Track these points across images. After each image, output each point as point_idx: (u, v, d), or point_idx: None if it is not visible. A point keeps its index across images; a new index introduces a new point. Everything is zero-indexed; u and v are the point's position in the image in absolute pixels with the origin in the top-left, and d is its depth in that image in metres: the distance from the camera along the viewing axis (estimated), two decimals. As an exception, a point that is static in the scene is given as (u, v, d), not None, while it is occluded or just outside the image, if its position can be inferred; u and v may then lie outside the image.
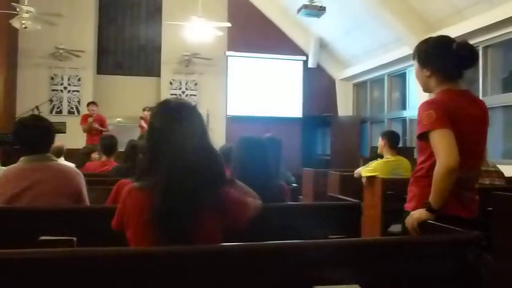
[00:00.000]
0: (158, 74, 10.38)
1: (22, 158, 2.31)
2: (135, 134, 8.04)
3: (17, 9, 7.28)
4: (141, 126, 8.10)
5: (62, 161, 3.77)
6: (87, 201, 2.38)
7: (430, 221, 1.93)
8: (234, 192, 1.60)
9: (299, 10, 7.30)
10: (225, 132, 9.68)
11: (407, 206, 2.14)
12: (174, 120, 1.50)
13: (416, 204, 2.06)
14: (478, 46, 6.26)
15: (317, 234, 2.21)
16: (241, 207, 1.59)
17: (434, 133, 1.95)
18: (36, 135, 2.32)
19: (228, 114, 9.86)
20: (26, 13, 7.24)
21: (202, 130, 1.57)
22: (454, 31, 6.37)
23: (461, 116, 1.99)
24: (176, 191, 1.41)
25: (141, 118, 8.10)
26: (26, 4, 7.33)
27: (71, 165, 3.11)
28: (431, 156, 2.00)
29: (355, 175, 4.52)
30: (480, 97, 6.33)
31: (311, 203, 3.49)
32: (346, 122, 9.92)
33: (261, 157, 2.43)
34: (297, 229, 2.24)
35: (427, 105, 2.02)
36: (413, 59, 2.22)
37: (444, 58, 2.06)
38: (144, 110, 8.05)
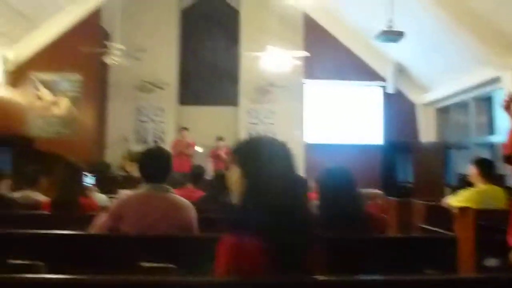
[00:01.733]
0: (236, 104, 10.66)
1: (142, 186, 2.48)
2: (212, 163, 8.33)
3: (109, 47, 7.88)
4: (216, 156, 8.27)
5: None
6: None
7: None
8: None
9: (377, 36, 7.22)
10: (303, 160, 9.66)
11: (511, 240, 2.02)
12: (269, 160, 1.46)
13: None
14: None
15: (411, 268, 2.14)
16: None
17: None
18: (159, 165, 2.50)
19: (305, 142, 9.86)
20: (116, 50, 7.81)
21: (293, 167, 1.53)
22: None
23: None
24: (284, 237, 1.35)
25: (216, 147, 8.34)
26: (116, 42, 7.90)
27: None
28: None
29: (443, 205, 4.32)
30: None
31: (403, 235, 3.37)
32: (429, 148, 9.55)
33: (348, 188, 2.41)
34: (390, 262, 2.18)
35: None
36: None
37: None
38: (218, 139, 8.31)
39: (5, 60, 8.61)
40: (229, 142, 8.32)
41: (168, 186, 2.52)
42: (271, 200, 1.39)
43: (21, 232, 2.37)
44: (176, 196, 2.58)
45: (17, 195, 3.72)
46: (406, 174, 10.67)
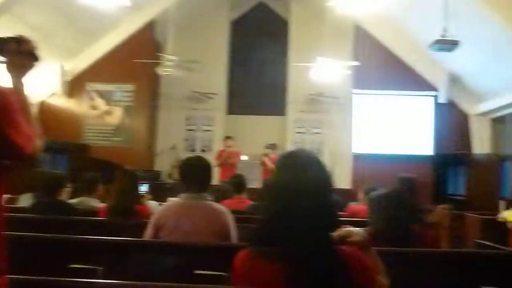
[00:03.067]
0: (283, 113, 10.70)
1: (182, 195, 2.55)
2: (261, 171, 8.31)
3: (161, 58, 8.13)
4: (262, 163, 8.17)
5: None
6: (234, 239, 2.52)
7: None
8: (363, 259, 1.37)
9: (431, 45, 7.07)
10: (351, 171, 9.56)
11: None
12: (302, 178, 1.37)
13: None
14: None
15: (468, 284, 2.09)
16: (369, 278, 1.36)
17: None
18: (198, 174, 2.56)
19: (354, 152, 9.74)
20: (169, 61, 8.05)
21: (327, 185, 1.43)
22: None
23: None
24: (305, 262, 1.26)
25: (264, 155, 8.21)
26: (168, 53, 8.14)
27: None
28: None
29: (499, 219, 4.17)
30: None
31: (458, 250, 3.28)
32: (483, 160, 9.21)
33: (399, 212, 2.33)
34: (444, 279, 2.14)
35: None
36: None
37: None
38: (266, 147, 8.24)
39: (64, 71, 9.07)
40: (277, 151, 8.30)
41: (206, 195, 2.56)
42: (296, 219, 1.31)
43: (81, 238, 2.48)
44: (213, 203, 2.62)
45: (74, 201, 3.88)
46: (457, 186, 10.33)
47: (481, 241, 3.02)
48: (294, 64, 9.54)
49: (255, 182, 7.42)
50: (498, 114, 9.27)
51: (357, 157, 9.63)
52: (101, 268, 2.14)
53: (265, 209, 1.43)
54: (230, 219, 2.54)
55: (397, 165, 8.58)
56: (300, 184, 1.36)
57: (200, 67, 9.18)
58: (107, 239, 2.48)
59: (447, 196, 10.12)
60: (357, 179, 8.60)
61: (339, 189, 7.69)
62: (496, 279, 2.14)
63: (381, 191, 2.42)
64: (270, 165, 7.49)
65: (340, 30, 9.74)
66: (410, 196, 3.43)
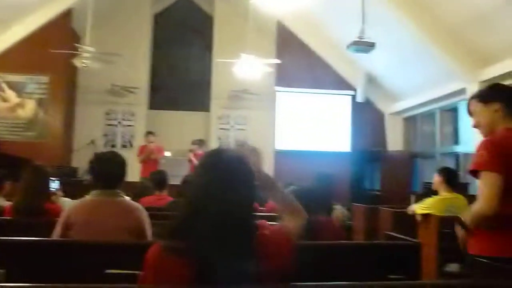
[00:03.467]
0: (207, 109, 10.64)
1: (93, 192, 2.43)
2: (185, 167, 8.21)
3: (79, 49, 7.75)
4: (190, 160, 8.15)
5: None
6: (149, 236, 2.45)
7: (493, 264, 1.87)
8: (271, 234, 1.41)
9: (348, 46, 7.34)
10: (273, 167, 9.71)
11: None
12: (223, 177, 1.37)
13: (480, 246, 2.02)
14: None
15: (375, 274, 2.18)
16: (281, 250, 1.39)
17: (481, 174, 1.99)
18: (111, 170, 2.45)
19: (276, 148, 9.90)
20: (87, 53, 7.68)
21: (250, 186, 1.42)
22: (506, 66, 6.26)
23: None
24: (215, 259, 1.25)
25: (190, 151, 8.19)
26: (86, 44, 7.77)
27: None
28: None
29: (408, 212, 4.41)
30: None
31: (368, 242, 3.44)
32: (396, 157, 9.74)
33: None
34: (355, 269, 2.22)
35: (483, 144, 2.05)
36: (473, 101, 2.23)
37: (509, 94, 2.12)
38: (193, 143, 8.19)
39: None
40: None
41: (119, 191, 2.47)
42: (211, 215, 1.31)
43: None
44: (126, 200, 2.55)
45: (-22, 199, 3.60)
46: (373, 181, 10.84)
47: (391, 233, 3.18)
48: (218, 60, 9.50)
49: (178, 178, 7.31)
50: (410, 113, 9.85)
51: (279, 154, 9.80)
52: (3, 270, 1.99)
53: (181, 205, 1.41)
54: (144, 216, 2.46)
55: (318, 161, 8.86)
56: (219, 183, 1.35)
57: (121, 60, 8.88)
58: (11, 239, 2.32)
59: (364, 192, 10.59)
60: (279, 175, 8.74)
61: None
62: (403, 268, 2.26)
63: (296, 185, 2.49)
64: (195, 161, 7.43)
65: (263, 28, 9.84)
66: (327, 191, 3.54)
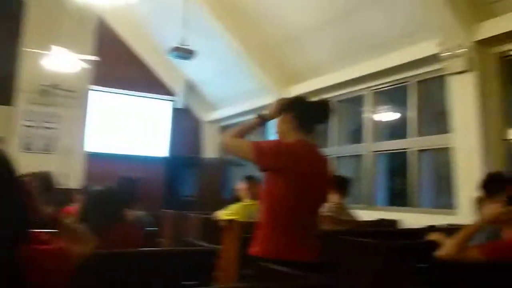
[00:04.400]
0: (10, 103, 9.51)
1: None
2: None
3: None
4: None
5: None
6: None
7: (271, 267, 1.96)
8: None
9: (169, 52, 7.32)
10: (84, 169, 9.13)
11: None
12: None
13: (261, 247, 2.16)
14: (330, 101, 6.88)
15: (169, 282, 2.15)
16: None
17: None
18: None
19: (87, 150, 9.33)
20: None
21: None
22: (310, 85, 6.97)
23: (309, 169, 2.14)
24: None
25: None
26: None
27: None
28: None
29: (214, 218, 4.53)
30: (329, 147, 6.96)
31: (164, 249, 3.42)
32: (212, 164, 10.03)
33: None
34: (149, 276, 2.15)
35: (277, 140, 2.25)
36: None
37: (302, 108, 2.25)
38: None
39: None
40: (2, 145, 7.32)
41: None
42: None
43: None
44: None
45: None
46: (190, 188, 11.00)
47: (188, 239, 3.21)
48: (26, 50, 8.57)
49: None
50: (225, 123, 10.27)
51: (91, 156, 9.27)
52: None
53: None
54: None
55: (132, 165, 8.63)
56: None
57: None
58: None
59: (179, 197, 10.65)
60: (90, 178, 8.25)
61: (64, 188, 7.22)
62: (197, 274, 2.27)
63: (95, 189, 2.39)
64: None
65: (81, 21, 9.21)
66: (129, 195, 3.43)
